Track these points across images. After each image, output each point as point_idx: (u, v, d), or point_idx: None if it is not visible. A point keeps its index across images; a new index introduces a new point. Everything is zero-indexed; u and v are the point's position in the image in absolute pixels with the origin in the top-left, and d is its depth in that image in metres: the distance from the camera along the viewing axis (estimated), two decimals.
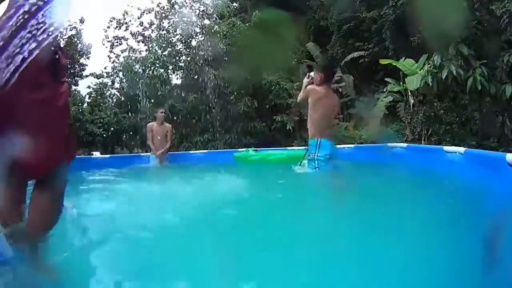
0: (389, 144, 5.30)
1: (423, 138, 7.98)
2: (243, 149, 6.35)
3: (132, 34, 11.18)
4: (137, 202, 2.78)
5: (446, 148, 3.60)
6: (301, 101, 3.88)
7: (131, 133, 9.79)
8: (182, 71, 10.53)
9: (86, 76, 13.60)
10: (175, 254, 1.53)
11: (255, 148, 6.27)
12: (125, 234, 1.82)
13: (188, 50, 10.44)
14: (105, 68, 12.39)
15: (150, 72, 10.01)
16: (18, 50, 1.25)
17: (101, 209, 2.56)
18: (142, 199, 2.95)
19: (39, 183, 1.41)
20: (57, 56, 1.41)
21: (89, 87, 12.91)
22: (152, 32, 11.00)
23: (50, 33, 1.28)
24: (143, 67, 10.18)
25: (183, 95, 9.67)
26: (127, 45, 11.39)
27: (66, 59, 1.52)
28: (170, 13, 10.67)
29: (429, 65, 7.35)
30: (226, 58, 9.32)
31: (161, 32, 10.66)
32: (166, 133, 5.88)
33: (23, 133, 1.26)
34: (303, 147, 5.84)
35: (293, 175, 3.94)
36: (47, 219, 1.42)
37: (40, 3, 1.27)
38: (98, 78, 12.82)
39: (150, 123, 6.01)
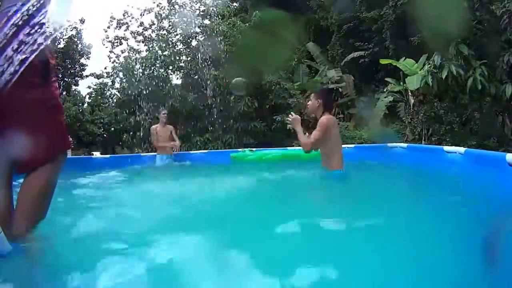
0: (390, 144, 5.31)
1: (423, 138, 7.99)
2: (240, 150, 6.41)
3: (132, 34, 11.19)
4: (145, 201, 2.79)
5: (446, 148, 3.60)
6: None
7: (131, 133, 9.78)
8: (182, 71, 10.54)
9: (86, 76, 13.64)
10: (178, 252, 1.53)
11: (251, 149, 6.31)
12: (131, 231, 1.82)
13: (188, 50, 10.45)
14: (105, 68, 12.44)
15: (150, 72, 10.01)
16: (15, 52, 1.27)
17: (107, 208, 2.56)
18: (151, 198, 2.97)
19: (32, 172, 1.43)
20: (46, 58, 1.47)
21: (89, 87, 12.95)
22: (152, 32, 11.02)
23: (46, 36, 1.31)
24: (143, 67, 10.19)
25: (183, 95, 9.67)
26: (127, 45, 11.41)
27: (54, 61, 1.56)
28: (170, 13, 10.68)
29: (429, 65, 7.36)
30: (226, 58, 9.33)
31: (161, 32, 10.67)
32: (170, 134, 6.01)
33: (18, 131, 1.32)
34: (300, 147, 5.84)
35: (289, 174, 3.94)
36: (36, 208, 1.44)
37: (35, 7, 1.29)
38: (98, 78, 12.85)
39: (154, 126, 6.10)
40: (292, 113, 3.35)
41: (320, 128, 3.05)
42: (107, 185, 3.98)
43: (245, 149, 6.39)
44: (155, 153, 6.17)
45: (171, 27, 10.62)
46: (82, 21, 12.66)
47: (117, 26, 11.26)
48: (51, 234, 1.61)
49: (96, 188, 3.75)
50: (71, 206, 2.57)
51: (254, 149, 6.34)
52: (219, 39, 9.56)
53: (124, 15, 11.18)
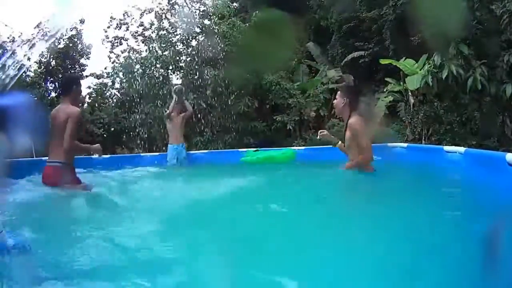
0: (390, 144, 5.31)
1: (423, 138, 7.99)
2: (245, 149, 6.45)
3: (132, 34, 11.18)
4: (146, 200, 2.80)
5: (446, 148, 3.61)
6: None
7: (131, 133, 9.77)
8: (182, 71, 10.52)
9: (86, 76, 13.56)
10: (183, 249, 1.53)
11: (257, 149, 6.36)
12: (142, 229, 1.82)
13: (188, 50, 10.44)
14: (105, 68, 12.36)
15: (150, 72, 10.01)
16: None
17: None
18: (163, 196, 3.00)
19: None
20: None
21: (89, 87, 12.90)
22: (152, 33, 11.00)
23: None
24: (143, 67, 10.18)
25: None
26: (127, 45, 11.40)
27: None
28: (170, 13, 10.67)
29: (429, 65, 7.36)
30: (226, 58, 9.32)
31: (161, 32, 10.66)
32: (182, 120, 5.96)
33: None
34: (286, 148, 5.88)
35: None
36: None
37: None
38: (98, 78, 12.82)
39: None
40: (320, 131, 3.22)
41: (361, 132, 2.86)
42: (108, 184, 3.97)
43: (250, 149, 6.46)
44: (156, 154, 6.11)
45: (171, 27, 10.61)
46: (82, 21, 12.60)
47: (117, 26, 11.25)
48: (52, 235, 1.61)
49: (97, 187, 3.75)
50: (72, 206, 2.58)
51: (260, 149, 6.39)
52: (219, 39, 9.56)
53: (124, 15, 11.17)
